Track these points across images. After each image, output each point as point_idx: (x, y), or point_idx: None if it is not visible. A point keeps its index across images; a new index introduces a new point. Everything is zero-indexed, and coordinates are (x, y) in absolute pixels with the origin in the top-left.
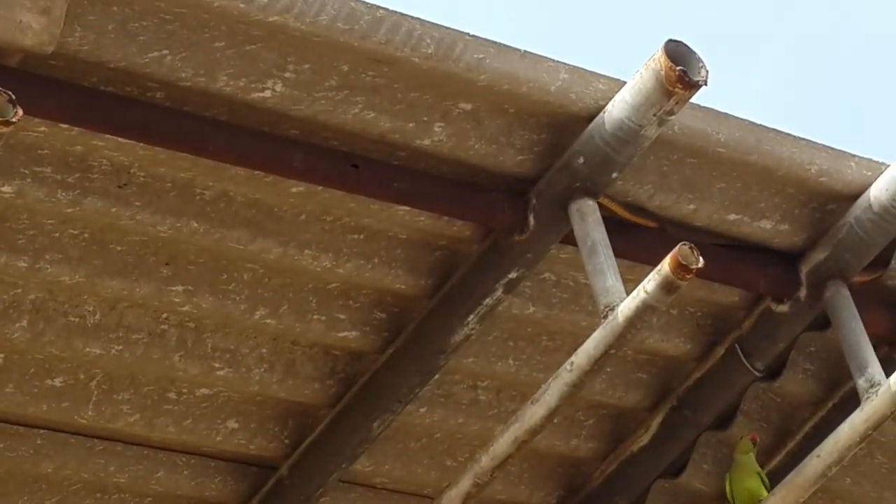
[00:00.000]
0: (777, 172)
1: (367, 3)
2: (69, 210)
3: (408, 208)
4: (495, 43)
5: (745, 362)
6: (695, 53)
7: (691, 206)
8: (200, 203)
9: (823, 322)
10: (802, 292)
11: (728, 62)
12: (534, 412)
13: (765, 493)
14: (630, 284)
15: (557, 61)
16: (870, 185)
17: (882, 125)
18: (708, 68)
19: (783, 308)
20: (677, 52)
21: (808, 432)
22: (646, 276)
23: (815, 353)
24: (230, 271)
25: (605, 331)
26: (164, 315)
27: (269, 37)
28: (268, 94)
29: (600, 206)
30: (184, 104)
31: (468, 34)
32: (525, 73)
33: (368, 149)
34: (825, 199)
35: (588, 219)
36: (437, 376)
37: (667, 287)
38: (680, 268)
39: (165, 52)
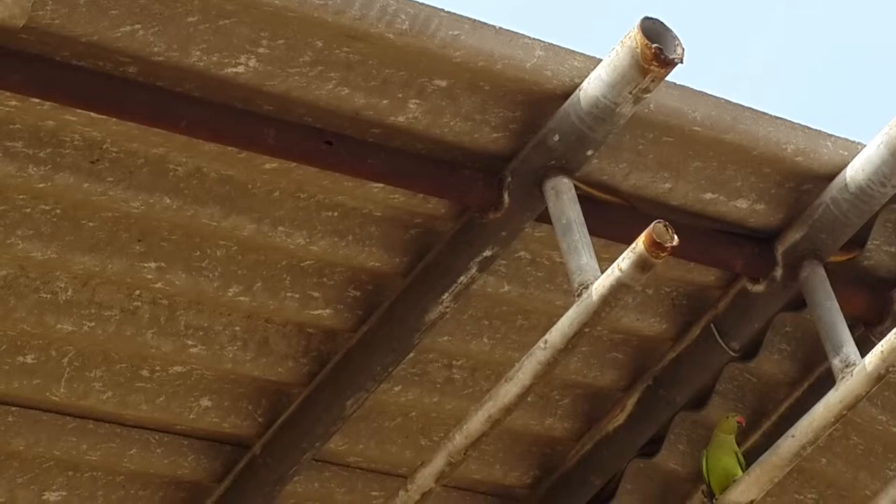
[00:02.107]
0: (753, 152)
1: None
2: (41, 185)
3: (382, 186)
4: (470, 19)
5: (721, 342)
6: (671, 31)
7: (667, 185)
8: (173, 179)
9: (799, 302)
10: (778, 272)
11: (716, 46)
12: (507, 390)
13: (740, 472)
14: (605, 263)
15: (533, 38)
16: (846, 165)
17: (858, 104)
18: (684, 46)
19: (759, 288)
20: (653, 30)
21: (784, 412)
22: (621, 254)
23: (791, 333)
24: (203, 248)
25: (579, 309)
26: (137, 292)
27: (243, 11)
28: (241, 69)
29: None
30: (156, 79)
31: (443, 10)
32: (500, 49)
33: (342, 125)
34: (801, 179)
35: (563, 197)
36: (411, 355)
37: (641, 265)
38: (654, 246)
39: (138, 26)
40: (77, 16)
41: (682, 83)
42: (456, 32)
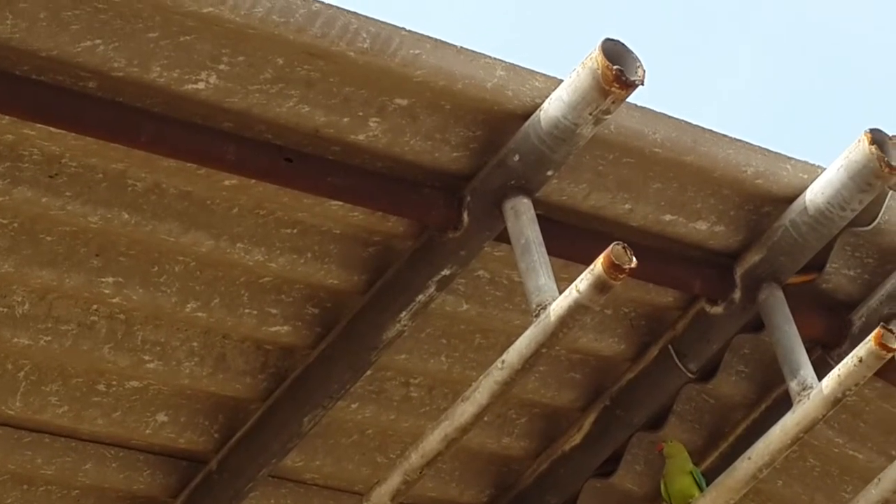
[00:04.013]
0: (713, 173)
1: None
2: None
3: (341, 203)
4: (432, 38)
5: (679, 363)
6: (632, 53)
7: (627, 206)
8: (132, 194)
9: (757, 324)
10: (737, 294)
11: (685, 70)
12: (464, 410)
13: (697, 492)
14: (564, 283)
15: (494, 58)
16: (806, 187)
17: (816, 127)
18: (645, 68)
19: (717, 309)
20: (614, 52)
21: (741, 434)
22: (580, 275)
23: (749, 355)
24: (161, 263)
25: (536, 329)
26: (94, 306)
27: (204, 28)
28: (201, 85)
29: None
30: (116, 95)
31: (404, 29)
32: (461, 69)
33: (302, 143)
34: (761, 202)
35: (522, 217)
36: (369, 372)
37: (599, 286)
38: (613, 267)
39: (98, 41)
40: (37, 30)
41: (649, 105)
42: (417, 51)
